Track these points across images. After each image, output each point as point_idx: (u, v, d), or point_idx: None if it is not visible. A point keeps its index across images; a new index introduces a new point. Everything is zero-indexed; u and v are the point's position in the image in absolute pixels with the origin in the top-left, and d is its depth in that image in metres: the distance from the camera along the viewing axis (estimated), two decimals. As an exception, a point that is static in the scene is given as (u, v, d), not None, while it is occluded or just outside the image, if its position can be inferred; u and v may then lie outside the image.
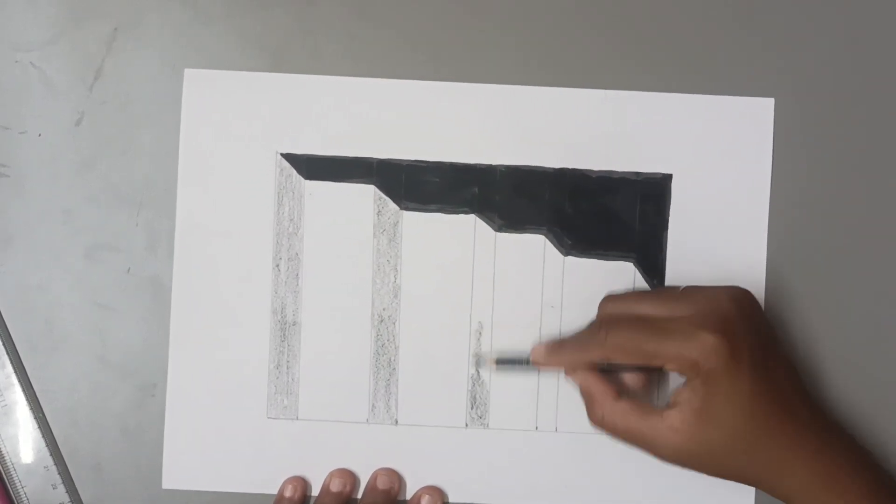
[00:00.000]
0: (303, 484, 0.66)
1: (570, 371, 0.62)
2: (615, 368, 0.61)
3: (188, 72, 0.66)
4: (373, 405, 0.66)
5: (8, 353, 0.66)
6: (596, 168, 0.66)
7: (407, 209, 0.66)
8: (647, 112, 0.66)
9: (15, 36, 0.67)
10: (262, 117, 0.66)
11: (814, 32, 0.66)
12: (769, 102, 0.66)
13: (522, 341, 0.65)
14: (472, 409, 0.66)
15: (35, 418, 0.66)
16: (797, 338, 0.66)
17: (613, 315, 0.62)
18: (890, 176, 0.66)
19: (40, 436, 0.66)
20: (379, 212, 0.66)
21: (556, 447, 0.66)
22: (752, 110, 0.66)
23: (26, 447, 0.66)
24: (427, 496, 0.66)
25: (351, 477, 0.66)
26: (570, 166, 0.66)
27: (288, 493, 0.66)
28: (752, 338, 0.59)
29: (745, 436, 0.58)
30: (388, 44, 0.66)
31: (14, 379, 0.66)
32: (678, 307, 0.60)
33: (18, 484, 0.66)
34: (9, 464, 0.66)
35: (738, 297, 0.60)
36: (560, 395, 0.66)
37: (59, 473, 0.66)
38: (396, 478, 0.66)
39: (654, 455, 0.60)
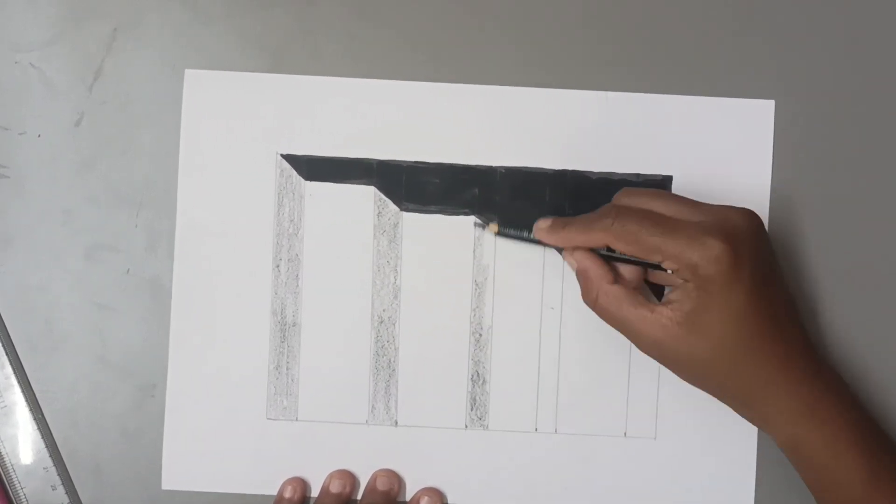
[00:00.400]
0: (302, 485, 0.66)
1: (570, 250, 0.62)
2: (615, 259, 0.61)
3: (189, 72, 0.66)
4: (372, 406, 0.66)
5: (7, 354, 0.66)
6: (596, 169, 0.66)
7: (407, 210, 0.66)
8: (648, 114, 0.66)
9: (15, 36, 0.67)
10: (262, 118, 0.66)
11: (814, 35, 0.66)
12: (769, 104, 0.66)
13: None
14: (471, 410, 0.66)
15: (34, 419, 0.66)
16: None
17: (625, 205, 0.61)
18: (890, 177, 0.66)
19: (40, 437, 0.66)
20: (379, 213, 0.66)
21: (556, 449, 0.66)
22: (753, 112, 0.66)
23: (26, 448, 0.66)
24: (426, 497, 0.66)
25: (350, 478, 0.66)
26: (570, 168, 0.66)
27: (287, 494, 0.66)
28: (756, 257, 0.58)
29: (731, 349, 0.58)
30: (388, 45, 0.66)
31: (14, 380, 0.66)
32: (690, 212, 0.59)
33: (18, 485, 0.66)
34: (8, 465, 0.66)
35: (750, 217, 0.59)
36: (560, 396, 0.66)
37: (58, 474, 0.66)
38: (396, 479, 0.66)
39: (637, 345, 0.60)
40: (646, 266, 0.61)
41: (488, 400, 0.66)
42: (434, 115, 0.66)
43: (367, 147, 0.66)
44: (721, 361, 0.59)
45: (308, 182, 0.66)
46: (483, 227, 0.66)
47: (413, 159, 0.66)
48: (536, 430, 0.66)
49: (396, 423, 0.66)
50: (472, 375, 0.66)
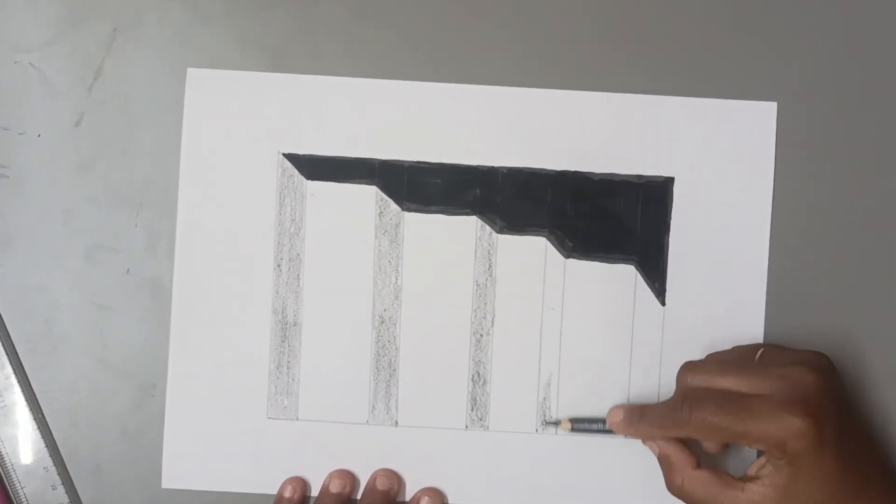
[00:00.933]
0: (302, 484, 0.66)
1: (649, 439, 0.63)
2: None
3: (191, 71, 0.66)
4: (373, 406, 0.66)
5: (7, 354, 0.66)
6: (598, 171, 0.66)
7: (408, 210, 0.66)
8: (650, 115, 0.66)
9: (14, 36, 0.67)
10: (264, 117, 0.66)
11: (816, 36, 0.66)
12: (772, 106, 0.66)
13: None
14: (472, 410, 0.66)
15: (34, 419, 0.66)
16: (798, 340, 0.66)
17: (695, 389, 0.61)
18: (893, 180, 0.66)
19: (40, 437, 0.66)
20: (380, 213, 0.66)
21: (556, 450, 0.66)
22: (755, 114, 0.66)
23: (26, 448, 0.66)
24: (426, 497, 0.66)
25: (350, 478, 0.66)
26: (572, 169, 0.66)
27: (287, 494, 0.66)
28: (835, 414, 0.58)
29: None
30: (389, 45, 0.66)
31: (14, 380, 0.66)
32: (761, 383, 0.59)
33: (18, 485, 0.66)
34: (8, 465, 0.66)
35: (820, 368, 0.59)
36: (560, 397, 0.66)
37: (58, 474, 0.66)
38: (396, 478, 0.66)
39: None
40: None
41: (489, 400, 0.66)
42: (436, 116, 0.66)
43: (369, 147, 0.66)
44: None
45: (310, 181, 0.66)
46: (555, 426, 0.66)
47: (415, 159, 0.66)
48: (537, 431, 0.66)
49: (397, 423, 0.66)
50: (473, 376, 0.66)
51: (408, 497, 0.66)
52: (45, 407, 0.67)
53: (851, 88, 0.66)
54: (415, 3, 0.66)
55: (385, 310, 0.66)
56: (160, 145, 0.66)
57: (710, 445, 0.63)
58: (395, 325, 0.66)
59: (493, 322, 0.66)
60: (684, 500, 0.62)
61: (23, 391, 0.66)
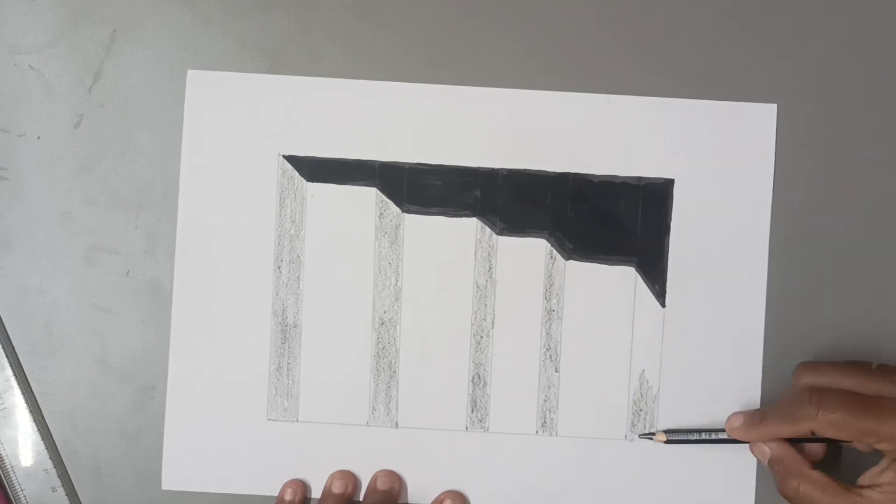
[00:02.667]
0: (302, 487, 0.66)
1: (770, 439, 0.62)
2: (808, 440, 0.61)
3: (191, 73, 0.66)
4: (373, 408, 0.66)
5: (7, 356, 0.66)
6: (598, 172, 0.66)
7: (409, 212, 0.66)
8: (650, 117, 0.66)
9: (14, 39, 0.67)
10: (264, 119, 0.66)
11: (816, 39, 0.66)
12: (772, 108, 0.66)
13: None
14: (472, 412, 0.66)
15: (34, 421, 0.66)
16: (799, 342, 0.66)
17: (820, 388, 0.60)
18: (892, 182, 0.66)
19: (40, 438, 0.66)
20: (381, 214, 0.66)
21: (556, 451, 0.66)
22: (755, 116, 0.66)
23: (26, 450, 0.66)
24: (449, 500, 0.66)
25: (353, 478, 0.66)
26: (572, 170, 0.66)
27: (288, 497, 0.66)
28: None
29: None
30: (390, 47, 0.66)
31: (13, 382, 0.66)
32: (884, 386, 0.59)
33: (18, 487, 0.66)
34: (8, 467, 0.66)
35: None
36: (560, 398, 0.66)
37: (58, 476, 0.66)
38: (397, 479, 0.66)
39: None
40: (840, 444, 0.62)
41: (489, 402, 0.66)
42: (436, 118, 0.66)
43: (369, 149, 0.66)
44: None
45: (310, 183, 0.66)
46: (650, 437, 0.66)
47: (415, 161, 0.66)
48: (537, 432, 0.66)
49: (397, 424, 0.66)
50: (473, 377, 0.66)
51: (409, 498, 0.66)
52: (45, 409, 0.67)
53: (851, 91, 0.66)
54: (415, 5, 0.66)
55: (385, 311, 0.66)
56: (159, 147, 0.66)
57: (816, 451, 0.62)
58: (395, 326, 0.66)
59: (493, 324, 0.66)
60: None
61: (23, 393, 0.66)
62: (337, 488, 0.66)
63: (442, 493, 0.66)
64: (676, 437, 0.65)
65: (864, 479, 0.60)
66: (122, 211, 0.66)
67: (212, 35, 0.66)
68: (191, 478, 0.66)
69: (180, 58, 0.66)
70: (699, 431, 0.65)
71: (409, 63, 0.66)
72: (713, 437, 0.64)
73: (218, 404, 0.66)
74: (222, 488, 0.66)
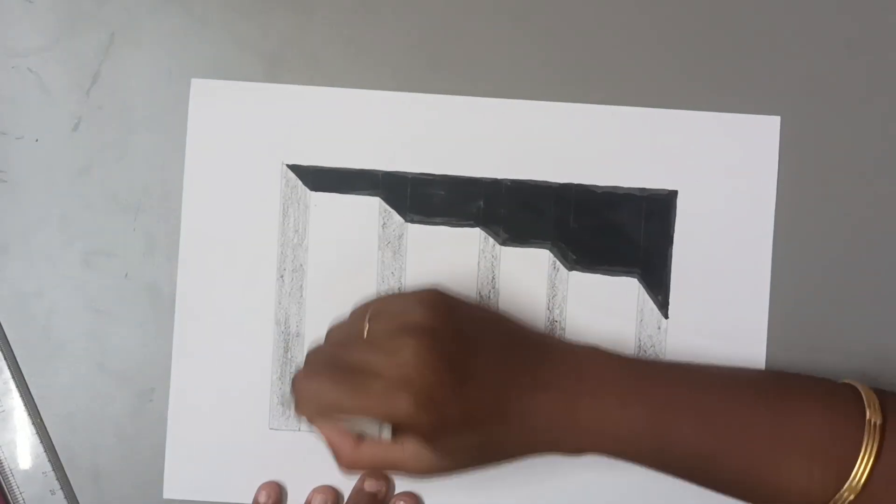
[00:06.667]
0: (277, 489, 0.66)
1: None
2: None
3: (195, 81, 0.66)
4: (373, 412, 0.67)
5: (6, 359, 0.66)
6: (601, 183, 0.66)
7: (412, 222, 0.66)
8: (653, 128, 0.66)
9: (12, 41, 0.66)
10: (268, 128, 0.66)
11: (820, 51, 0.66)
12: (775, 120, 0.66)
13: None
14: (473, 417, 0.67)
15: (33, 424, 0.66)
16: (802, 354, 0.66)
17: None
18: None
19: (38, 442, 0.66)
20: (384, 224, 0.66)
21: (560, 462, 0.66)
22: (758, 128, 0.66)
23: (24, 453, 0.66)
24: (402, 502, 0.66)
25: (333, 493, 0.66)
26: (576, 181, 0.66)
27: (262, 500, 0.66)
28: (447, 367, 0.56)
29: (485, 409, 0.57)
30: (394, 56, 0.66)
31: (12, 385, 0.66)
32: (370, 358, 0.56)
33: (17, 490, 0.66)
34: (7, 470, 0.66)
35: (421, 327, 0.57)
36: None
37: (57, 479, 0.66)
38: (384, 482, 0.66)
39: (415, 474, 0.59)
40: None
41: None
42: (440, 127, 0.66)
43: (372, 158, 0.66)
44: (491, 419, 0.57)
45: (313, 192, 0.66)
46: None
47: (418, 171, 0.66)
48: None
49: (397, 429, 0.67)
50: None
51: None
52: (44, 412, 0.66)
53: (854, 103, 0.66)
54: (418, 15, 0.66)
55: (387, 318, 0.66)
56: (158, 150, 0.66)
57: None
58: (396, 333, 0.66)
59: (494, 332, 0.66)
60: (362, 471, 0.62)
61: (21, 396, 0.66)
62: (317, 502, 0.66)
63: (396, 495, 0.66)
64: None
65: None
66: (120, 214, 0.66)
67: (211, 39, 0.66)
68: (192, 487, 0.66)
69: (178, 61, 0.66)
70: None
71: (412, 73, 0.66)
72: None
73: (220, 413, 0.66)
74: (223, 496, 0.66)
